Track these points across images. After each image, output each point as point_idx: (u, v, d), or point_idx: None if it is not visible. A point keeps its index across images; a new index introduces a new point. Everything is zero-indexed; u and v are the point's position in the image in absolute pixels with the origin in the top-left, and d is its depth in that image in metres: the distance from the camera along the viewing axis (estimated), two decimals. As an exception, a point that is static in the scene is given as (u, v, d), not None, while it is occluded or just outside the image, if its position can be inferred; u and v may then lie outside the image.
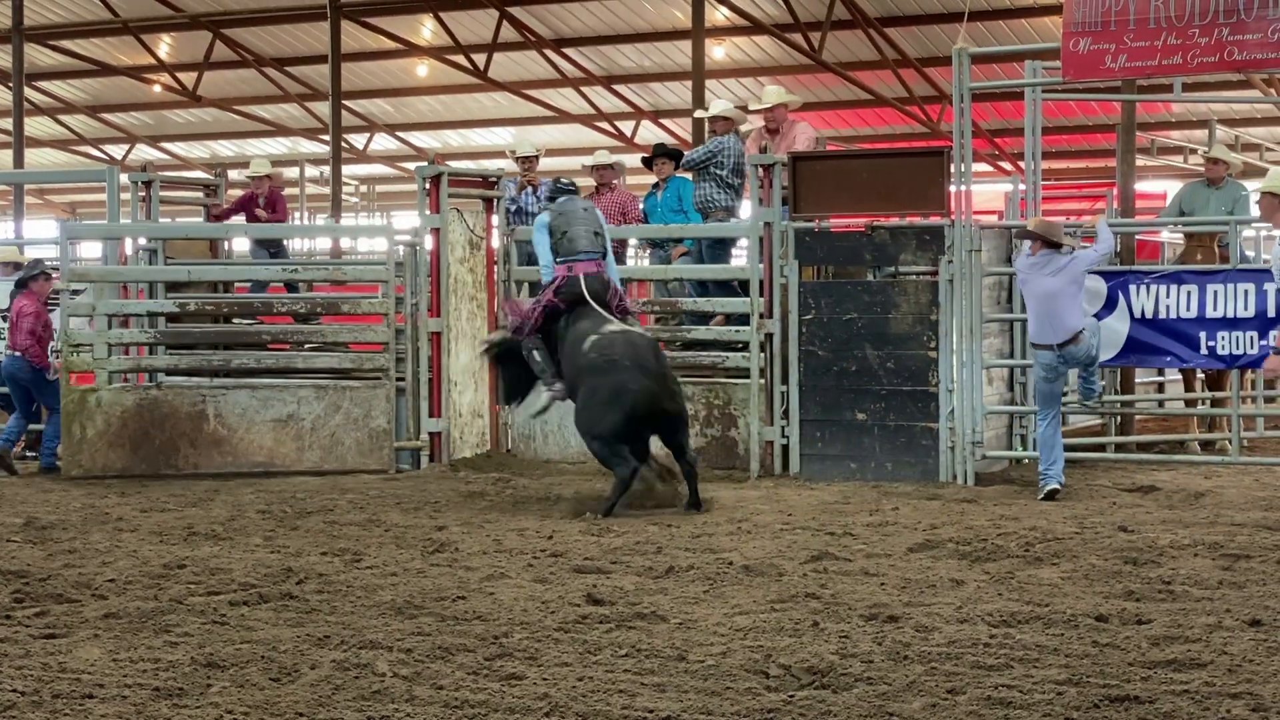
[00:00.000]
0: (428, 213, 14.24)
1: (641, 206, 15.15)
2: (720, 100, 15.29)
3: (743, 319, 13.60)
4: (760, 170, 13.51)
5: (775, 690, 6.16)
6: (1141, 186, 18.51)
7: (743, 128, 15.08)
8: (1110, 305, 12.55)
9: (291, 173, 30.72)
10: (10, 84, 28.55)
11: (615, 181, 15.33)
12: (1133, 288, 12.52)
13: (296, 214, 31.81)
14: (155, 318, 15.01)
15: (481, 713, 5.85)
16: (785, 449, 13.30)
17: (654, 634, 7.18)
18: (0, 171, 34.01)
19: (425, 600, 7.98)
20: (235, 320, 15.87)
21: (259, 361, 15.07)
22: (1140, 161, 16.94)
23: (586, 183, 15.78)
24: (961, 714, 5.79)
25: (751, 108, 15.30)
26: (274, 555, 9.50)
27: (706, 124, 14.93)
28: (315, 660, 6.68)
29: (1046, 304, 11.80)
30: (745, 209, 14.61)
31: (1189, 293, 12.44)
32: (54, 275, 14.93)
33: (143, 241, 15.29)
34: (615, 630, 7.27)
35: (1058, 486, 11.64)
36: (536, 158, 15.55)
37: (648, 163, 15.67)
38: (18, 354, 14.59)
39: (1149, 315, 12.51)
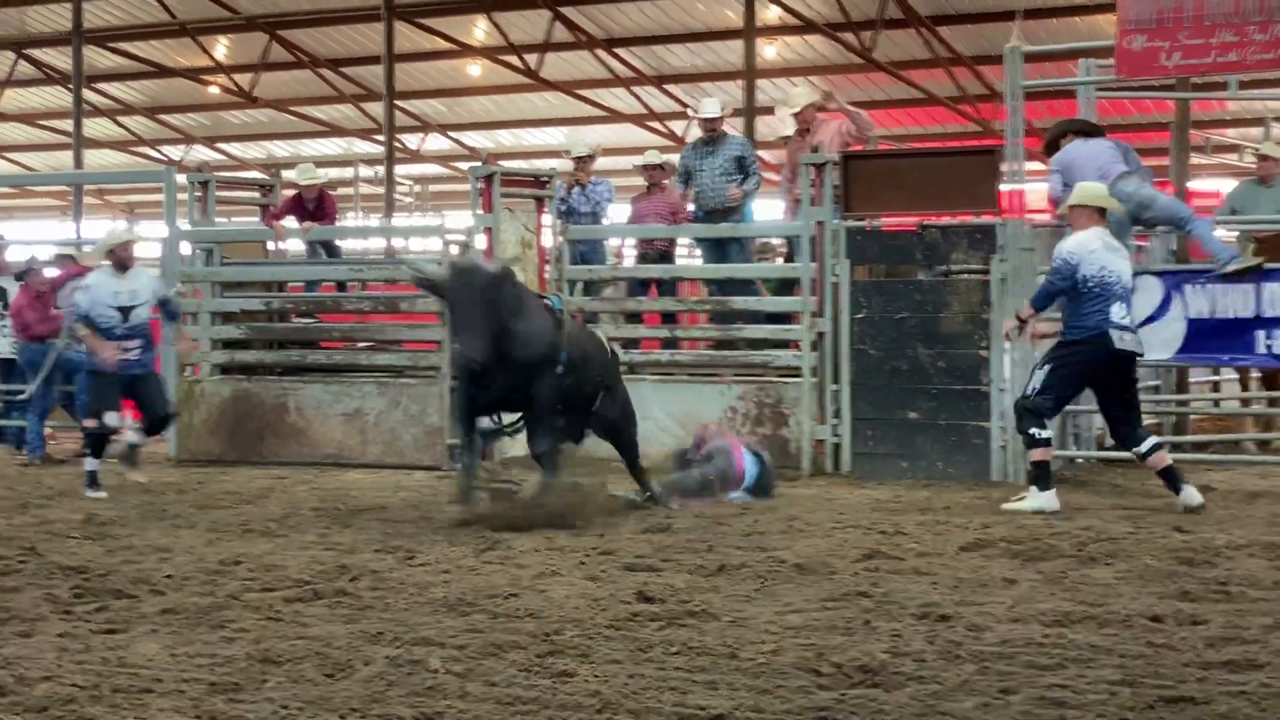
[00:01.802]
0: (480, 212, 14.29)
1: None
2: (711, 99, 15.29)
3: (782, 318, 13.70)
4: (812, 169, 13.51)
5: (827, 689, 6.16)
6: (1196, 185, 18.37)
7: (787, 131, 15.18)
8: (1166, 305, 12.48)
9: (346, 173, 30.87)
10: (70, 86, 28.81)
11: (666, 182, 15.35)
12: (1188, 287, 12.45)
13: (351, 214, 32.02)
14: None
15: (533, 710, 5.87)
16: (837, 447, 13.29)
17: (705, 632, 7.19)
18: (60, 172, 34.36)
19: (477, 597, 8.01)
20: (297, 318, 16.09)
21: (329, 358, 15.40)
22: (1195, 160, 16.85)
23: (638, 182, 15.82)
24: (1014, 714, 5.77)
25: (780, 113, 15.31)
26: (328, 552, 9.55)
27: (700, 124, 14.95)
28: (369, 656, 6.72)
29: (1107, 164, 12.22)
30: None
31: (1245, 292, 12.35)
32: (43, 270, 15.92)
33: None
34: (667, 628, 7.28)
35: None
36: (592, 157, 15.56)
37: None
38: (20, 342, 15.65)
39: (1205, 315, 12.43)
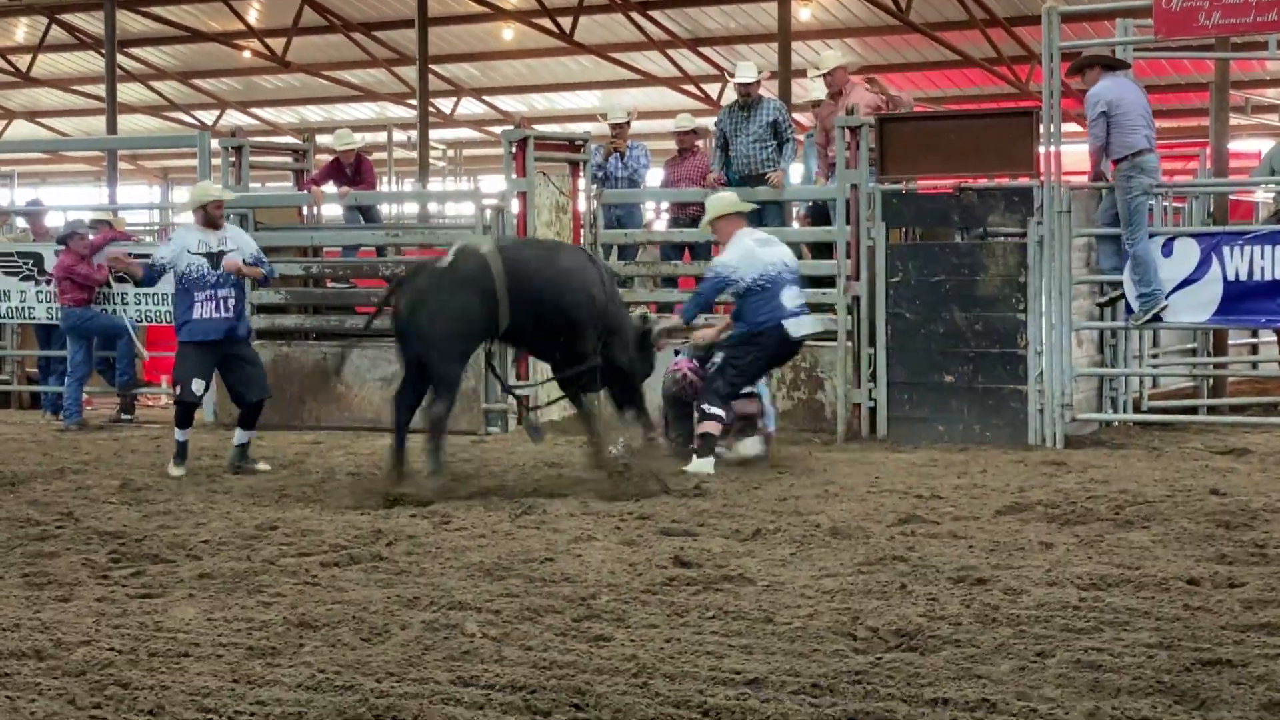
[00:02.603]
0: (514, 176, 14.28)
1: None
2: (747, 64, 15.12)
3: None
4: (847, 132, 13.44)
5: (863, 652, 6.16)
6: (1235, 146, 18.24)
7: (813, 94, 15.09)
8: (1204, 266, 12.39)
9: (379, 137, 30.87)
10: (103, 50, 28.84)
11: (699, 144, 15.28)
12: (1226, 249, 12.36)
13: (384, 179, 32.05)
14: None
15: (570, 674, 5.89)
16: (872, 412, 13.27)
17: (741, 596, 7.20)
18: (94, 137, 34.43)
19: (513, 562, 8.03)
20: (332, 283, 16.13)
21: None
22: (1234, 120, 16.71)
23: (672, 146, 15.76)
24: (1050, 677, 5.76)
25: (810, 75, 15.20)
26: (364, 517, 9.59)
27: (736, 89, 14.81)
28: (405, 621, 6.74)
29: (1148, 114, 12.33)
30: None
31: (1284, 254, 12.25)
32: (88, 233, 15.93)
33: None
34: (702, 592, 7.29)
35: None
36: (628, 124, 15.50)
37: None
38: (65, 307, 15.63)
39: (1243, 276, 12.34)
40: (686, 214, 15.28)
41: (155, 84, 35.74)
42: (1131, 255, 12.35)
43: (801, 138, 14.97)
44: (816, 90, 14.98)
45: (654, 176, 16.31)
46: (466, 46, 32.03)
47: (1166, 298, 12.40)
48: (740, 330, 11.65)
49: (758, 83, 14.69)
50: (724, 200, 12.08)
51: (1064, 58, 12.85)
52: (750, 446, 11.74)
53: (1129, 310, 12.65)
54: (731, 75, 15.06)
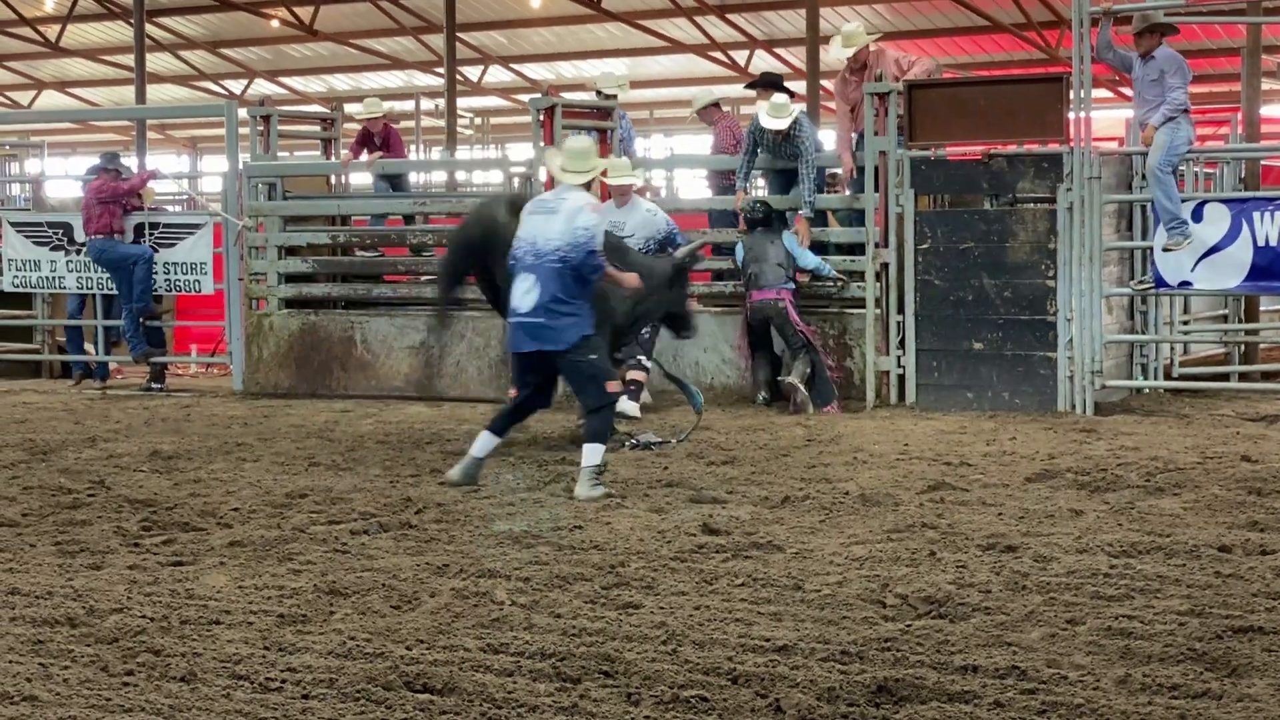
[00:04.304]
0: (542, 144, 14.25)
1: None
2: (779, 104, 14.61)
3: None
4: (875, 99, 13.38)
5: (892, 620, 6.16)
6: (1267, 111, 18.11)
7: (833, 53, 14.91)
8: (1234, 232, 12.32)
9: (407, 106, 30.83)
10: (131, 20, 28.86)
11: (726, 109, 15.18)
12: (1256, 214, 12.27)
13: (412, 147, 32.03)
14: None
15: (599, 641, 5.90)
16: (901, 379, 13.24)
17: (770, 563, 7.20)
18: (123, 107, 34.52)
19: (542, 530, 8.05)
20: (360, 252, 16.15)
21: (394, 291, 15.43)
22: (1266, 85, 16.58)
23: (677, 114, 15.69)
24: (1081, 644, 5.75)
25: (833, 52, 14.95)
26: (393, 485, 9.61)
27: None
28: (435, 588, 6.77)
29: None
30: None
31: (1316, 219, 12.17)
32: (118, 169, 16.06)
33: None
34: (731, 560, 7.30)
35: None
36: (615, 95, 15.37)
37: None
38: (91, 239, 15.65)
39: (1274, 242, 12.26)
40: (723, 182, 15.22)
41: (184, 53, 35.76)
42: (1161, 181, 12.13)
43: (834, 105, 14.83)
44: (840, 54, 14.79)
45: (684, 145, 16.24)
46: (494, 14, 31.96)
47: (1194, 268, 12.33)
48: None
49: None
50: (625, 166, 13.11)
51: (1094, 22, 12.75)
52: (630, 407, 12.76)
53: (1160, 284, 12.56)
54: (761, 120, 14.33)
